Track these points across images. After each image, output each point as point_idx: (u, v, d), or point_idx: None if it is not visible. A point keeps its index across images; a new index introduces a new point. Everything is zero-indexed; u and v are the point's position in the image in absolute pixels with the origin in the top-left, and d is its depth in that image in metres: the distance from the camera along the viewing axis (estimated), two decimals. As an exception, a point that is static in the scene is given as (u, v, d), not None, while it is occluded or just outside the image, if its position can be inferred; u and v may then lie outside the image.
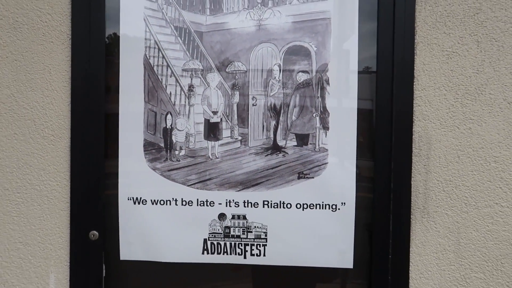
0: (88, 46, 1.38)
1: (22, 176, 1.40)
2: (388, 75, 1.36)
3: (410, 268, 1.37)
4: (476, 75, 1.33)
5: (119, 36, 1.41)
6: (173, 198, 1.41)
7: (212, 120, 1.42)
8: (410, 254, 1.37)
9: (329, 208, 1.40)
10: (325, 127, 1.40)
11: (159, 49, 1.42)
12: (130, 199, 1.41)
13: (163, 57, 1.42)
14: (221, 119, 1.42)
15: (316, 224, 1.40)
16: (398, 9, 1.34)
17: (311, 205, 1.40)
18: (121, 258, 1.43)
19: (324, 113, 1.40)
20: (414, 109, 1.35)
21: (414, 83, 1.34)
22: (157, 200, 1.41)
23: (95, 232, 1.38)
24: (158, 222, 1.41)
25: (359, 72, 1.38)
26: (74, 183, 1.38)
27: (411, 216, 1.36)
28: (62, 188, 1.39)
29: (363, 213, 1.40)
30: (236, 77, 1.42)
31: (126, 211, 1.41)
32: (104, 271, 1.42)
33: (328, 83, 1.39)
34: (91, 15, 1.38)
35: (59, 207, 1.40)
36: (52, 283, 1.40)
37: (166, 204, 1.41)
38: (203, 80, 1.42)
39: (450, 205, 1.36)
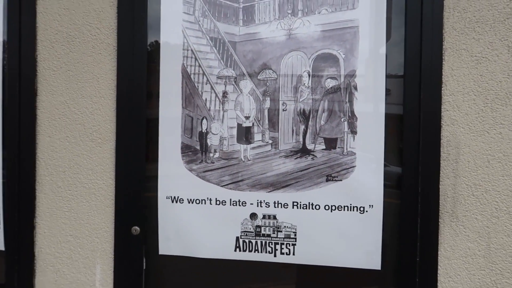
0: (132, 57, 1.50)
1: (73, 175, 1.54)
2: (416, 80, 1.38)
3: (438, 272, 1.38)
4: (507, 79, 1.33)
5: (159, 48, 1.52)
6: (207, 198, 1.50)
7: (244, 125, 1.50)
8: (439, 258, 1.38)
9: (357, 210, 1.44)
10: (353, 132, 1.44)
11: (195, 59, 1.52)
12: (169, 198, 1.52)
13: (199, 65, 1.52)
14: (253, 124, 1.50)
15: (344, 225, 1.44)
16: (426, 16, 1.36)
17: (339, 207, 1.44)
18: (160, 252, 1.53)
19: (352, 118, 1.44)
20: (442, 114, 1.37)
21: (442, 88, 1.36)
22: (193, 199, 1.50)
23: (137, 227, 1.49)
24: (193, 220, 1.51)
25: (387, 78, 1.42)
26: (119, 182, 1.50)
27: (440, 220, 1.37)
28: (107, 187, 1.52)
29: (391, 216, 1.43)
30: (267, 83, 1.49)
31: (164, 209, 1.52)
32: (144, 264, 1.53)
33: (356, 89, 1.44)
34: (134, 29, 1.50)
35: (105, 203, 1.52)
36: (98, 273, 1.52)
37: (201, 203, 1.50)
38: (236, 87, 1.50)
39: (480, 210, 1.36)
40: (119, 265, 1.51)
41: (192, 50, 1.52)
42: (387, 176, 1.42)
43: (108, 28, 1.51)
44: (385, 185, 1.42)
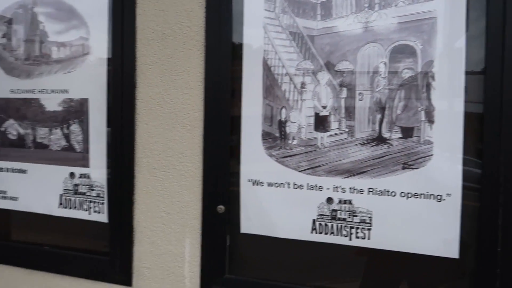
0: (218, 51, 1.64)
1: (166, 157, 1.72)
2: (498, 71, 1.36)
3: (522, 264, 1.35)
4: None
5: (242, 42, 1.65)
6: (286, 182, 1.60)
7: (321, 114, 1.58)
8: (523, 250, 1.35)
9: (433, 198, 1.45)
10: (431, 121, 1.45)
11: (275, 52, 1.63)
12: (250, 181, 1.64)
13: (279, 59, 1.62)
14: (329, 113, 1.57)
15: (420, 212, 1.46)
16: (510, 5, 1.35)
17: (416, 194, 1.47)
18: (241, 231, 1.65)
19: (429, 107, 1.46)
20: (527, 101, 1.34)
21: (528, 76, 1.34)
22: (272, 183, 1.61)
23: (222, 206, 1.63)
24: (272, 202, 1.61)
25: (466, 68, 1.40)
26: (206, 165, 1.65)
27: (524, 211, 1.35)
28: (196, 169, 1.67)
29: (470, 205, 1.42)
30: (344, 74, 1.55)
31: (246, 190, 1.64)
32: (228, 240, 1.67)
33: (433, 79, 1.45)
34: (220, 26, 1.64)
35: (194, 184, 1.68)
36: (187, 246, 1.69)
37: (280, 187, 1.60)
38: (314, 78, 1.59)
39: None
40: (206, 240, 1.66)
41: (272, 45, 1.63)
42: (465, 164, 1.42)
43: (197, 26, 1.67)
44: (463, 174, 1.41)
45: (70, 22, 1.88)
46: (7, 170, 2.02)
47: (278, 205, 1.61)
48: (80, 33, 1.87)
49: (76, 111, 1.88)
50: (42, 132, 1.95)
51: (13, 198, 2.02)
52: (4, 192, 2.03)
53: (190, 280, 1.68)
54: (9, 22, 1.99)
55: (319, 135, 1.59)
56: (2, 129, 2.01)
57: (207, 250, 1.66)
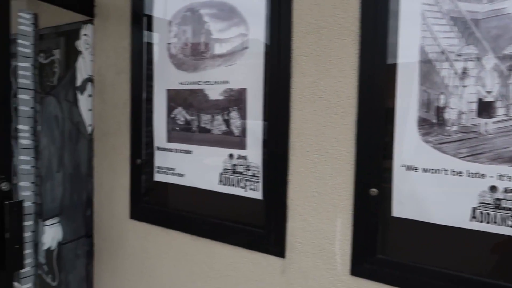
0: (373, 39, 1.69)
1: (319, 142, 1.83)
2: None
3: None
4: None
5: (398, 30, 1.67)
6: (443, 168, 1.58)
7: (486, 99, 1.52)
8: None
9: None
10: None
11: (434, 38, 1.61)
12: (403, 166, 1.66)
13: (438, 45, 1.61)
14: (495, 99, 1.51)
15: None
16: None
17: None
18: (393, 214, 1.69)
19: None
20: None
21: None
22: (428, 169, 1.61)
23: (374, 189, 1.68)
24: (427, 187, 1.61)
25: None
26: (359, 150, 1.72)
27: None
28: (348, 153, 1.75)
29: None
30: (514, 58, 1.47)
31: (399, 175, 1.67)
32: (379, 222, 1.71)
33: None
34: (376, 15, 1.69)
35: (346, 167, 1.76)
36: (339, 225, 1.78)
37: (436, 173, 1.59)
38: (478, 63, 1.53)
39: None
40: (357, 221, 1.73)
41: (430, 31, 1.62)
42: None
43: (352, 17, 1.74)
44: None
45: (232, 20, 2.12)
46: (176, 150, 2.38)
47: (433, 191, 1.60)
48: (240, 29, 2.09)
49: (235, 99, 2.12)
50: (205, 118, 2.24)
51: (180, 175, 2.37)
52: (173, 169, 2.39)
53: (341, 257, 1.77)
54: (179, 24, 2.33)
55: (482, 121, 1.53)
56: (172, 115, 2.38)
57: (358, 230, 1.73)
